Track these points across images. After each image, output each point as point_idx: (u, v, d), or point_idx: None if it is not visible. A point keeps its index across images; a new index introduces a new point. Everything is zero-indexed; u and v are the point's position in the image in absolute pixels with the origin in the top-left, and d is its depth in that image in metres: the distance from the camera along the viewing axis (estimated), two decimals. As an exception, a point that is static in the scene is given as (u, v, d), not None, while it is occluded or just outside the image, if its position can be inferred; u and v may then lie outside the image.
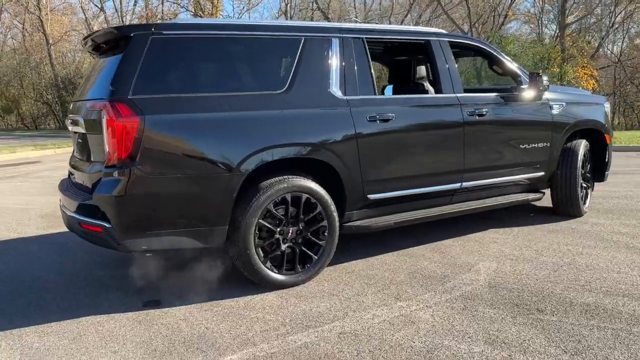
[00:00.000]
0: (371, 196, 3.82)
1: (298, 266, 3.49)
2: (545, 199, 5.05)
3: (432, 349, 2.58)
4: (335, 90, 3.64)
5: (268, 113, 3.38)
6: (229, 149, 3.21)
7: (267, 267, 3.37)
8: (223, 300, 3.27)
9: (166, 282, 3.59)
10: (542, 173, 4.79)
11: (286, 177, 3.42)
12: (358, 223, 3.83)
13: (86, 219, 3.09)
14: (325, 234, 3.58)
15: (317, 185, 3.52)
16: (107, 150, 3.01)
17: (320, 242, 3.57)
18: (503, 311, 2.99)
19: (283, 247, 3.45)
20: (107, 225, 3.00)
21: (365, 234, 4.02)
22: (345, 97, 3.66)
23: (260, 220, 3.31)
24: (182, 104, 3.13)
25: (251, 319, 3.00)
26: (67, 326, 2.95)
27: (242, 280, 3.49)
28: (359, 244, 4.34)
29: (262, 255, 3.37)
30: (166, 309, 3.16)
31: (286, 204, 3.41)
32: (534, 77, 4.50)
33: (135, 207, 3.00)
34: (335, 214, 3.59)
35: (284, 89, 3.47)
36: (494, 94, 4.55)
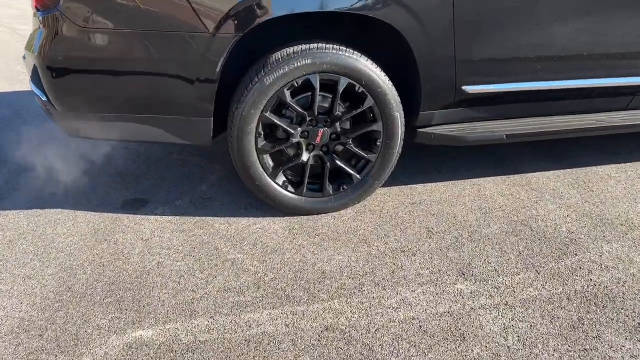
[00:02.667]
0: (469, 88, 2.31)
1: (328, 186, 2.31)
2: None
3: None
4: None
5: None
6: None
7: (277, 183, 2.26)
8: (213, 218, 2.31)
9: (159, 182, 2.73)
10: None
11: (313, 45, 2.10)
12: (443, 130, 2.40)
13: (34, 88, 2.25)
14: (379, 142, 2.27)
15: (367, 62, 2.14)
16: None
17: (367, 155, 2.29)
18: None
19: (305, 156, 2.27)
20: (42, 97, 2.12)
21: (452, 148, 2.57)
22: None
23: (267, 114, 2.13)
24: None
25: (226, 260, 2.01)
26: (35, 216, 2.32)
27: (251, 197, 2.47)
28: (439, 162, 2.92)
29: (271, 165, 2.26)
30: (140, 216, 2.33)
31: (312, 92, 2.15)
32: None
33: (67, 74, 2.04)
34: (399, 114, 2.23)
35: None
36: None
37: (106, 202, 2.49)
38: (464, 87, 2.29)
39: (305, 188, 2.29)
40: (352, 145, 2.27)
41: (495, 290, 1.83)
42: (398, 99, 2.23)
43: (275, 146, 2.22)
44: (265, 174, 2.23)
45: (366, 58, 2.15)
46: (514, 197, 2.48)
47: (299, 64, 2.07)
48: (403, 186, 2.59)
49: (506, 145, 3.00)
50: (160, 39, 1.98)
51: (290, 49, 2.10)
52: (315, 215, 2.33)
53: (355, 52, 2.15)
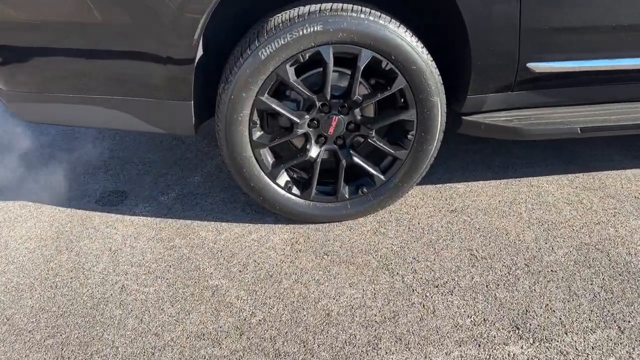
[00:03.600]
0: (536, 65, 1.72)
1: (343, 189, 1.81)
2: None
3: None
4: None
5: None
6: None
7: (278, 185, 1.78)
8: (200, 223, 1.87)
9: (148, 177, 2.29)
10: None
11: (325, 6, 1.56)
12: (499, 119, 1.84)
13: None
14: (410, 136, 1.74)
15: (398, 29, 1.59)
16: None
17: (394, 152, 1.77)
18: None
19: (314, 151, 1.77)
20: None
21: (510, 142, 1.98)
22: None
23: (263, 98, 1.62)
24: None
25: (206, 287, 1.58)
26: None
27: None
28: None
29: (271, 162, 1.77)
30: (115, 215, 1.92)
31: (324, 68, 1.62)
32: None
33: (11, 45, 1.57)
34: (439, 99, 1.68)
35: None
36: None
37: (80, 195, 2.08)
38: (530, 65, 1.71)
39: (314, 191, 1.80)
40: (375, 139, 1.75)
41: (562, 357, 1.33)
42: (439, 79, 1.67)
43: (276, 138, 1.72)
44: (263, 173, 1.75)
45: (397, 23, 1.59)
46: (584, 207, 1.92)
47: (305, 31, 1.53)
48: (440, 186, 2.07)
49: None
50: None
51: (294, 11, 1.56)
52: (327, 225, 1.85)
53: (382, 14, 1.59)
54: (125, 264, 1.69)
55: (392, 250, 1.72)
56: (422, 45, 1.63)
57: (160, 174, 2.21)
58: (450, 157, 2.24)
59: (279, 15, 1.57)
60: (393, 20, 1.59)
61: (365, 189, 1.82)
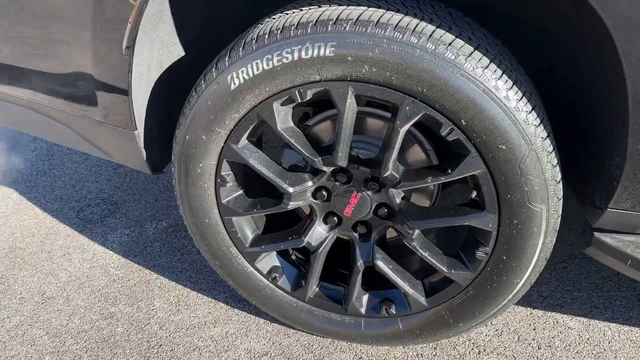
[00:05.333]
0: None
1: (359, 298, 1.12)
2: None
3: None
4: None
5: None
6: None
7: (257, 269, 1.16)
8: (163, 285, 1.35)
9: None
10: None
11: (345, 11, 0.84)
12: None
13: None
14: (483, 253, 0.97)
15: (480, 72, 0.81)
16: None
17: (446, 271, 1.02)
18: None
19: (317, 236, 1.09)
20: None
21: None
22: None
23: (234, 146, 0.99)
24: None
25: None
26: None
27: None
28: None
29: (249, 235, 1.14)
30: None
31: (340, 117, 0.92)
32: None
33: None
34: (545, 207, 0.88)
35: None
36: None
37: (65, 202, 1.70)
38: None
39: (311, 291, 1.15)
40: (418, 245, 1.02)
41: None
42: (555, 174, 0.88)
43: (256, 207, 1.09)
44: (237, 250, 1.14)
45: (477, 62, 0.82)
46: None
47: (305, 54, 0.85)
48: (532, 320, 1.26)
49: None
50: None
51: (292, 16, 0.88)
52: (326, 344, 1.20)
53: (456, 40, 0.82)
54: (41, 327, 1.25)
55: None
56: (528, 106, 0.84)
57: (152, 198, 1.73)
58: (555, 275, 1.38)
59: (267, 21, 0.90)
60: (476, 54, 0.82)
61: (392, 309, 1.12)
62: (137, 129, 1.06)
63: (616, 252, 0.99)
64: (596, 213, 0.97)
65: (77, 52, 0.99)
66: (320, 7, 0.87)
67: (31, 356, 1.17)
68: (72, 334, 1.22)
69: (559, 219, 0.93)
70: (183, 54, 1.09)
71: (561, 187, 0.91)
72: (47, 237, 1.53)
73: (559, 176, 0.89)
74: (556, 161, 0.88)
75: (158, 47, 1.02)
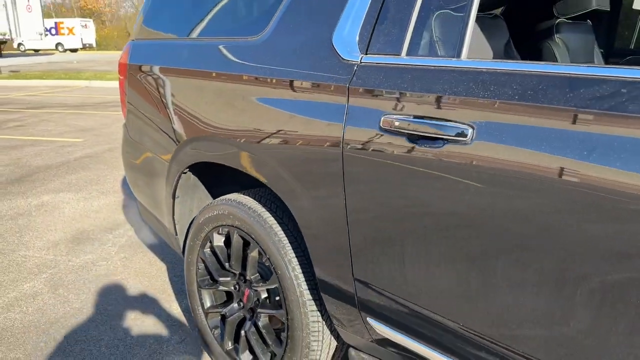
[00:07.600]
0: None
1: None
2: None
3: None
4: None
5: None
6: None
7: (210, 327, 2.04)
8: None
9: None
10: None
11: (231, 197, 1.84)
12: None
13: None
14: (283, 337, 1.69)
15: (259, 208, 1.65)
16: None
17: (270, 343, 1.75)
18: None
19: (229, 308, 1.95)
20: None
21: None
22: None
23: (204, 250, 1.97)
24: None
25: None
26: None
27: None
28: None
29: (208, 303, 2.06)
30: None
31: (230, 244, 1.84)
32: None
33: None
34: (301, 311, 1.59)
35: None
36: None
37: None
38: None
39: (227, 346, 1.96)
40: (261, 324, 1.79)
41: None
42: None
43: (214, 285, 2.00)
44: (202, 312, 2.05)
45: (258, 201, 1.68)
46: None
47: (213, 212, 1.84)
48: None
49: None
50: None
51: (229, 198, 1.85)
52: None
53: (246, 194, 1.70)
54: None
55: None
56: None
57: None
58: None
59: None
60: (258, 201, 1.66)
61: (259, 372, 1.83)
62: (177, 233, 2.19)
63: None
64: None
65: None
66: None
67: None
68: None
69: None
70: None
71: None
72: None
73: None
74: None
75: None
